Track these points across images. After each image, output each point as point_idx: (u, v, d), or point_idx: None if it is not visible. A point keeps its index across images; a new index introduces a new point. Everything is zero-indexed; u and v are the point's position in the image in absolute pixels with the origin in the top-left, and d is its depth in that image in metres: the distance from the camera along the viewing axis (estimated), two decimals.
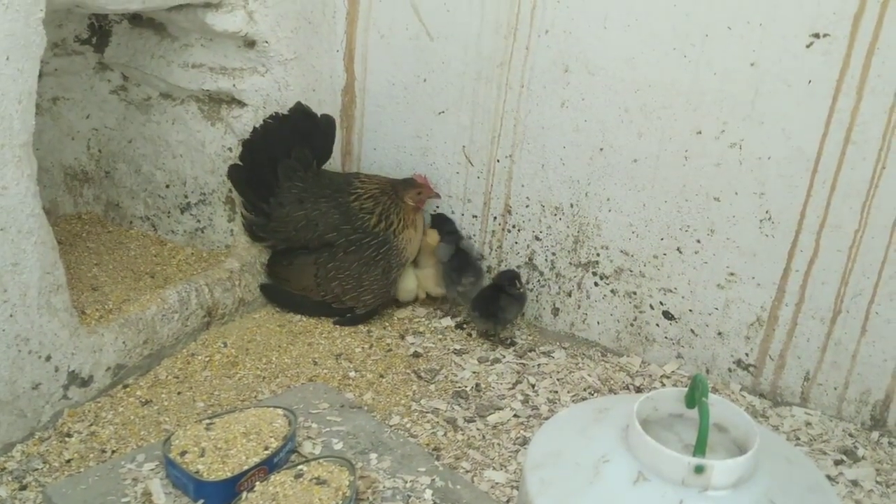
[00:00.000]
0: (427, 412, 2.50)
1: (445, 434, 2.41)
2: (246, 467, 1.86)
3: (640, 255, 2.78)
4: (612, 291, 2.88)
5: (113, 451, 2.21)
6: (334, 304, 2.99)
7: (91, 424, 2.31)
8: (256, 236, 3.04)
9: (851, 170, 2.36)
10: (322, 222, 2.97)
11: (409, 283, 3.10)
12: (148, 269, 3.04)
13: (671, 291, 2.76)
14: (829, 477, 2.31)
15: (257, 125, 2.94)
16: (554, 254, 2.96)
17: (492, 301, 2.89)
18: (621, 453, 1.32)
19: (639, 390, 2.70)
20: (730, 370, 2.73)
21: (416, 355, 2.82)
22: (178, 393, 2.50)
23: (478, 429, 2.44)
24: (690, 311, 2.74)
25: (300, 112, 2.97)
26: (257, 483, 1.83)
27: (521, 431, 2.44)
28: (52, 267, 2.20)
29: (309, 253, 3.01)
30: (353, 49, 3.10)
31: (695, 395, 1.34)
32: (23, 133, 2.03)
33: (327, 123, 3.05)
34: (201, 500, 1.83)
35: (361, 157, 3.25)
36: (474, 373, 2.73)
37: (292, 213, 2.97)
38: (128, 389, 2.48)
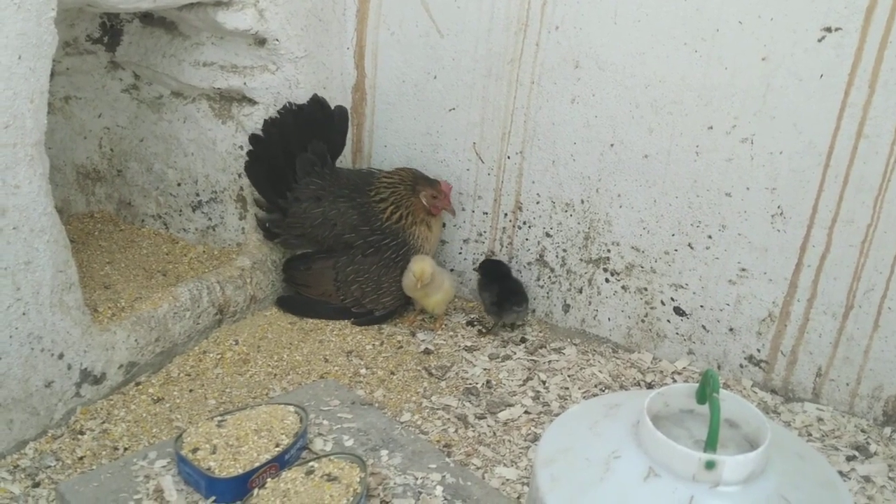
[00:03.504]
0: (438, 409, 2.50)
1: (456, 431, 2.41)
2: (257, 464, 1.87)
3: (651, 251, 2.77)
4: (623, 287, 2.87)
5: (125, 449, 2.22)
6: (354, 307, 2.99)
7: (103, 422, 2.32)
8: (270, 232, 3.03)
9: (864, 164, 2.35)
10: (340, 222, 2.96)
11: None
12: (160, 268, 3.05)
13: (682, 287, 2.75)
14: (841, 473, 2.31)
15: (269, 118, 2.93)
16: (565, 250, 2.95)
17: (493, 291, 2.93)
18: (632, 449, 1.32)
19: (650, 386, 2.70)
20: (741, 366, 2.72)
21: (427, 352, 2.82)
22: (190, 390, 2.51)
23: (489, 425, 2.44)
24: (702, 306, 2.73)
25: (316, 104, 2.97)
26: (268, 480, 1.84)
27: (532, 428, 2.44)
28: (65, 265, 2.21)
29: (327, 257, 3.00)
30: (363, 46, 3.11)
31: (706, 391, 1.34)
32: (35, 132, 2.04)
33: (341, 115, 3.06)
34: (213, 497, 1.84)
35: (372, 154, 3.26)
36: (485, 369, 2.73)
37: (310, 210, 2.96)
38: (140, 387, 2.49)
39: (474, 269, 3.08)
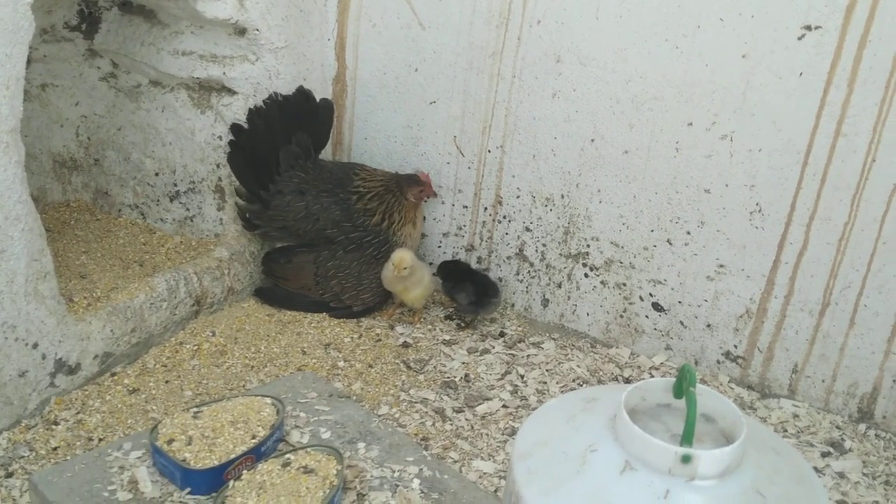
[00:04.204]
0: (416, 402, 2.50)
1: (434, 424, 2.40)
2: (233, 456, 1.85)
3: (631, 247, 2.78)
4: (601, 283, 2.88)
5: (100, 439, 2.21)
6: (332, 302, 2.98)
7: (78, 412, 2.30)
8: (250, 224, 3.01)
9: (842, 162, 2.37)
10: (322, 217, 2.95)
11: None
12: (136, 258, 3.03)
13: (661, 283, 2.76)
14: (815, 469, 2.32)
15: (254, 107, 2.91)
16: (544, 245, 2.96)
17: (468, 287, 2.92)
18: (609, 443, 1.32)
19: (627, 381, 2.70)
20: (718, 362, 2.74)
21: (406, 345, 2.82)
22: (166, 381, 2.49)
23: (466, 419, 2.44)
24: (680, 302, 2.74)
25: (302, 95, 2.95)
26: (244, 471, 1.83)
27: (510, 422, 2.44)
28: (40, 254, 2.19)
29: (308, 251, 2.99)
30: (344, 38, 3.09)
31: (682, 386, 1.34)
32: (10, 119, 2.02)
33: (326, 108, 3.04)
34: (188, 489, 1.83)
35: (352, 146, 3.24)
36: (463, 363, 2.73)
37: (293, 203, 2.95)
38: (115, 377, 2.47)
39: (434, 275, 3.02)
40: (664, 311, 2.78)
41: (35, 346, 2.20)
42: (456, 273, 2.98)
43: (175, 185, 3.17)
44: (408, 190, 2.96)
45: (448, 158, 3.05)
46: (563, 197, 2.86)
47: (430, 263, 3.17)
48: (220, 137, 3.00)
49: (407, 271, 2.82)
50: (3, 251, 2.05)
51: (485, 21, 2.79)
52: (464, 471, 2.20)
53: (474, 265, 3.12)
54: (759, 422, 2.47)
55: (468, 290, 2.90)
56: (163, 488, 1.84)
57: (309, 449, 1.92)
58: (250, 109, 2.90)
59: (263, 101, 2.90)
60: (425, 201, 3.07)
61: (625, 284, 2.84)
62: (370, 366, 2.68)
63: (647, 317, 2.83)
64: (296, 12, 2.95)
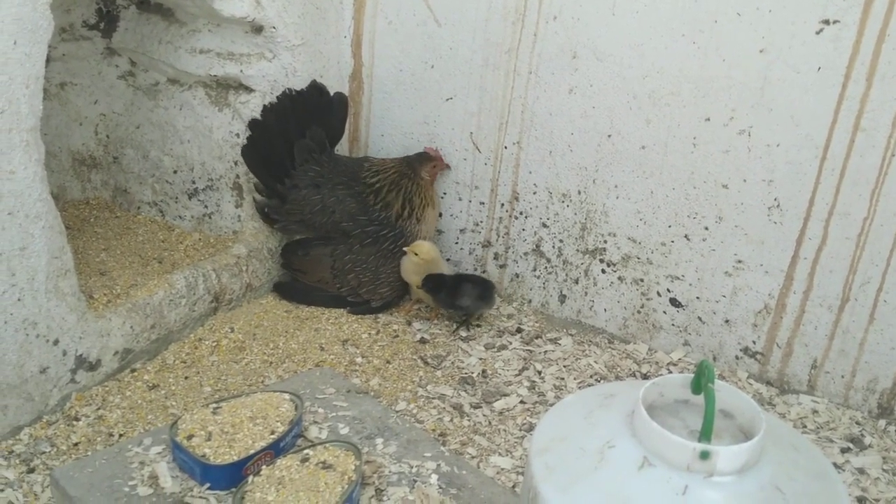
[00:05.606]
0: (433, 398, 2.51)
1: (451, 420, 2.41)
2: (252, 451, 1.86)
3: (648, 243, 2.77)
4: (619, 279, 2.87)
5: (120, 435, 2.22)
6: (350, 296, 2.99)
7: (98, 408, 2.32)
8: (269, 218, 3.03)
9: (860, 157, 2.35)
10: (339, 210, 2.96)
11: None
12: (155, 255, 3.04)
13: (679, 279, 2.75)
14: (835, 465, 2.31)
15: (268, 103, 2.92)
16: (561, 241, 2.95)
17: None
18: (627, 439, 1.32)
19: (645, 377, 2.70)
20: (737, 358, 2.73)
21: (423, 341, 2.82)
22: (186, 377, 2.51)
23: (484, 415, 2.44)
24: (698, 298, 2.74)
25: (315, 90, 2.96)
26: (263, 467, 1.84)
27: (527, 418, 2.44)
28: (60, 251, 2.21)
29: (325, 244, 3.00)
30: (360, 35, 3.10)
31: (701, 381, 1.34)
32: (30, 117, 2.04)
33: (340, 102, 3.05)
34: (207, 484, 1.84)
35: (369, 143, 3.25)
36: (481, 359, 2.73)
37: (309, 196, 2.96)
38: (135, 374, 2.49)
39: (434, 299, 2.95)
40: (682, 306, 2.78)
41: (56, 342, 2.22)
42: (446, 281, 2.89)
43: (193, 182, 3.19)
44: (420, 168, 2.97)
45: (465, 155, 3.05)
46: (579, 193, 2.86)
47: (448, 259, 3.18)
48: (237, 135, 3.01)
49: (418, 258, 2.82)
50: (24, 248, 2.07)
51: (500, 17, 2.79)
52: (481, 466, 2.21)
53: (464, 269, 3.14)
54: (777, 418, 2.47)
55: (471, 288, 2.87)
56: (183, 483, 1.86)
57: (327, 444, 1.93)
58: (264, 105, 2.91)
59: (277, 96, 2.91)
60: (441, 173, 3.09)
61: (642, 280, 2.83)
62: (388, 362, 2.68)
63: (664, 312, 2.82)
64: (312, 10, 2.96)
